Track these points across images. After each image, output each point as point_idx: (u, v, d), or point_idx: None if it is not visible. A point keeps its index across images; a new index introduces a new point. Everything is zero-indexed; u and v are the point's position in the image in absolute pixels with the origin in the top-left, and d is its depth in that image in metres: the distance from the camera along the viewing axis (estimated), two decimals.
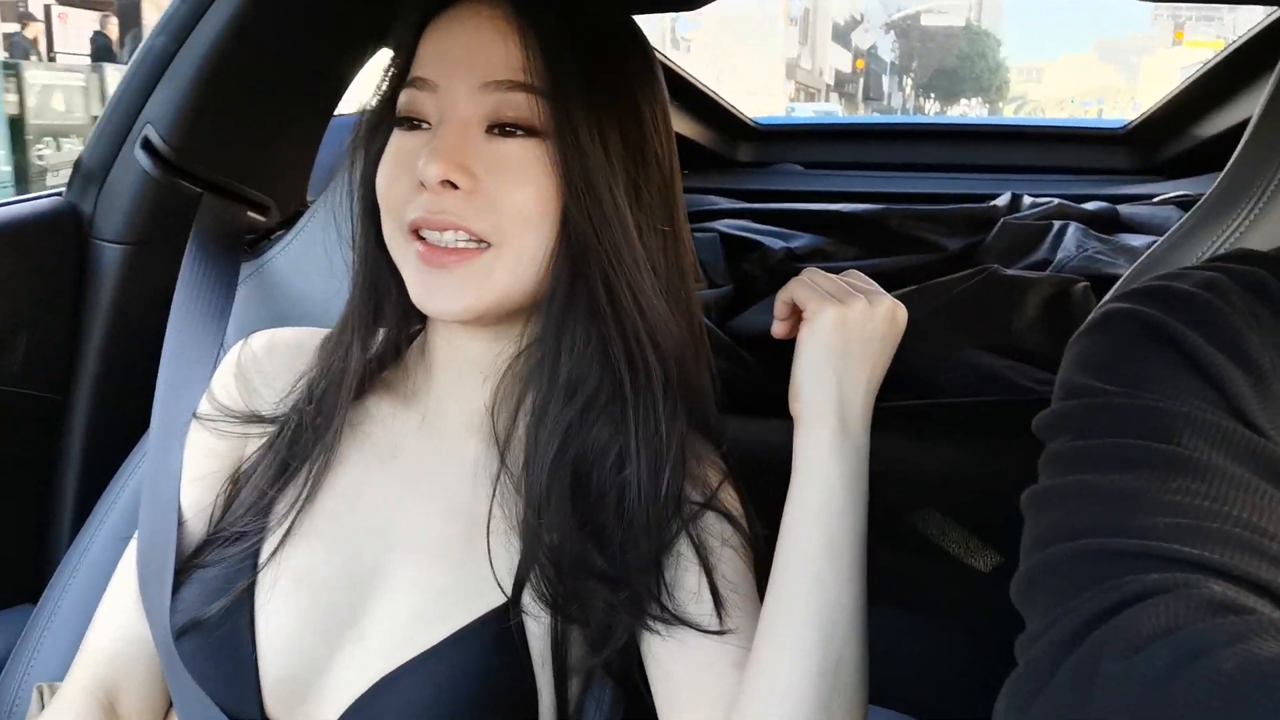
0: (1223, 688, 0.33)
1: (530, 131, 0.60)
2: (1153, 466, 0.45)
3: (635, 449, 0.63)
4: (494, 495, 0.65)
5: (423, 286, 0.62)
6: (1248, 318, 0.50)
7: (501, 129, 0.61)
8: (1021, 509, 0.51)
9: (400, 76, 0.64)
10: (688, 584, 0.63)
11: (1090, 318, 0.55)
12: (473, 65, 0.60)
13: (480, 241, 0.61)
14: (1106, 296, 0.76)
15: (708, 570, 0.63)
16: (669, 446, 0.63)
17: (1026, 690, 0.41)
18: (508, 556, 0.64)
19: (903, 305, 0.66)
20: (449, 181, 0.59)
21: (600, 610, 0.62)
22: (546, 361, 0.64)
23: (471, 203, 0.60)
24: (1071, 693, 0.39)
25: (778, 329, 0.68)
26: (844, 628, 0.59)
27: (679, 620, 0.62)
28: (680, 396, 0.65)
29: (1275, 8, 1.19)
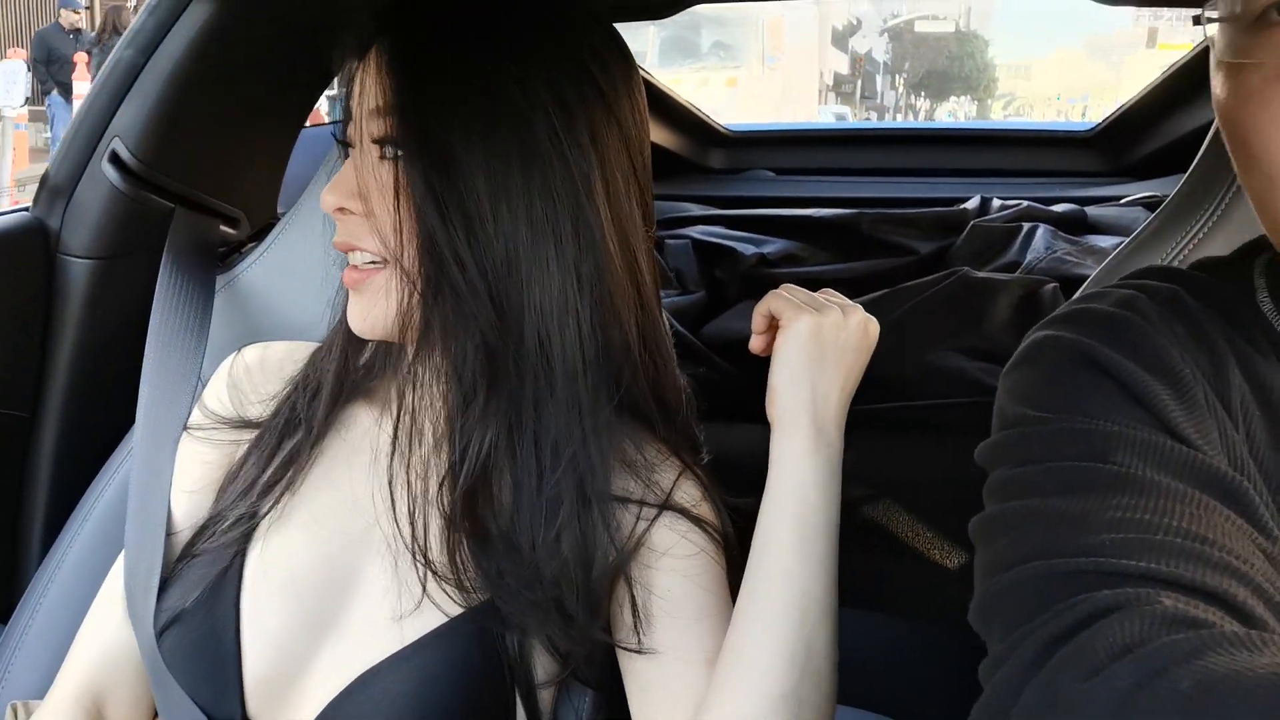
0: (1182, 707, 0.33)
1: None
2: (1092, 487, 0.46)
3: (535, 458, 0.63)
4: (417, 500, 0.66)
5: (348, 306, 0.67)
6: (1166, 333, 0.51)
7: (383, 151, 0.63)
8: (970, 538, 0.51)
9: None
10: (617, 597, 0.64)
11: (1019, 349, 0.56)
12: (363, 94, 0.64)
13: (382, 260, 0.64)
14: (1072, 298, 0.77)
15: (629, 584, 0.64)
16: (577, 452, 0.63)
17: (993, 716, 0.41)
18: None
19: (874, 320, 0.70)
20: (343, 208, 0.64)
21: (540, 622, 0.62)
22: (443, 374, 0.66)
23: (367, 224, 0.63)
24: (1037, 717, 0.39)
25: (755, 343, 0.71)
26: (815, 617, 0.61)
27: (602, 635, 0.63)
28: (622, 404, 0.65)
29: None
